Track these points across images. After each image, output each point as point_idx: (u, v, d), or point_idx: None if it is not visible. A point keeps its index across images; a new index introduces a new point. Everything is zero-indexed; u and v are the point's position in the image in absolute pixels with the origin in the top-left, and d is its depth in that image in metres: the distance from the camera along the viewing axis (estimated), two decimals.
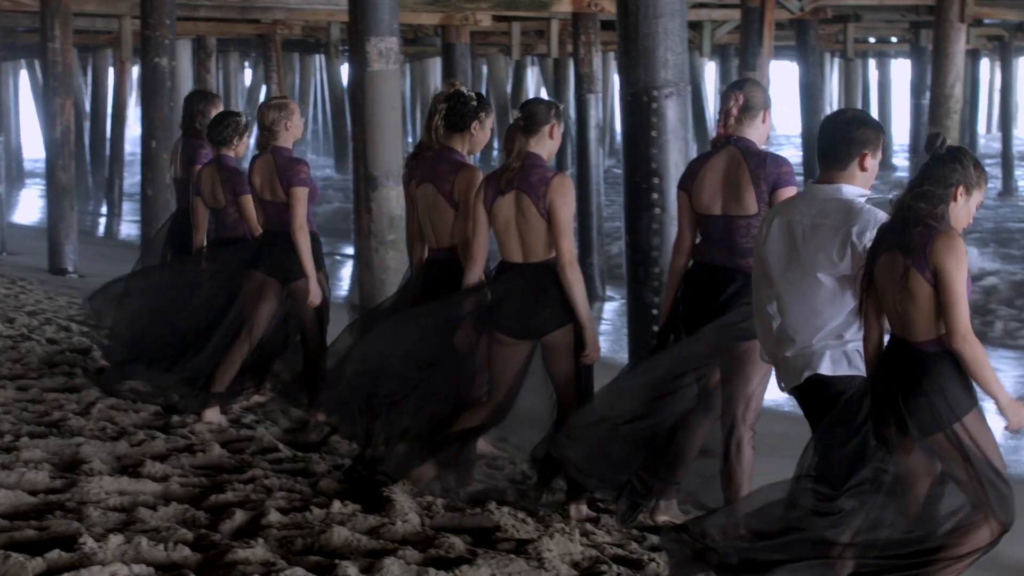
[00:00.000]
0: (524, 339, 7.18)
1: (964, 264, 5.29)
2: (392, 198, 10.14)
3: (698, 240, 6.96)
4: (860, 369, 5.92)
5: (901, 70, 48.33)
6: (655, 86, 8.16)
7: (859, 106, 44.79)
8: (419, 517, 6.76)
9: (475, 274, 7.30)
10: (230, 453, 8.04)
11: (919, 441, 5.39)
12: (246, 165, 9.36)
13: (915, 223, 5.35)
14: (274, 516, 6.56)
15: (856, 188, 5.96)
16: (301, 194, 8.76)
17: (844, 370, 5.97)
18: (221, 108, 10.40)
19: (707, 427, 6.93)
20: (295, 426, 8.96)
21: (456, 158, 7.67)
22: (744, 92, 6.81)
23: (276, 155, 8.88)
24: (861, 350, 5.86)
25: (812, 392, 6.04)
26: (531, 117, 7.10)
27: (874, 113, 46.83)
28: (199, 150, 10.07)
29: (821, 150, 6.04)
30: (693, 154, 7.85)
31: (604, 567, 6.15)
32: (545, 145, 7.13)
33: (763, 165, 6.67)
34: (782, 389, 6.21)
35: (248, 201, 9.21)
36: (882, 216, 5.79)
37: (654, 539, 6.79)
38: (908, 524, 5.45)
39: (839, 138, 5.96)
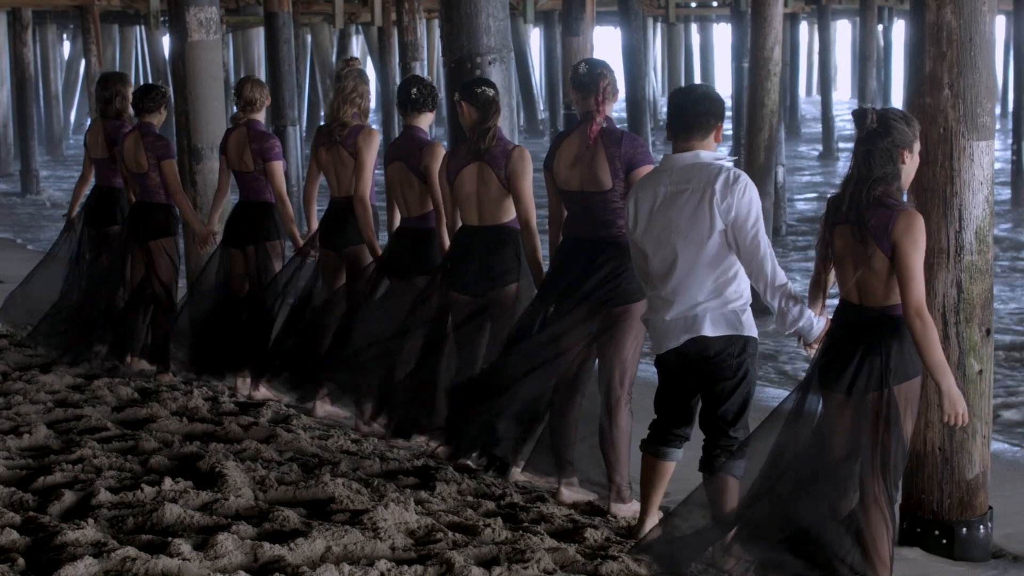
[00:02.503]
0: (475, 296, 7.62)
1: (922, 243, 5.44)
2: (216, 171, 10.05)
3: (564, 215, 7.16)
4: (738, 329, 6.11)
5: (722, 34, 49.08)
6: (478, 53, 8.21)
7: (682, 71, 45.31)
8: (252, 492, 6.73)
9: (443, 233, 7.99)
10: (57, 433, 7.90)
11: (857, 398, 5.48)
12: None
13: (874, 205, 5.47)
14: (104, 496, 6.47)
15: (711, 152, 6.16)
16: (277, 168, 9.43)
17: (723, 331, 6.12)
18: (132, 86, 10.70)
19: (579, 399, 7.05)
20: (123, 404, 8.83)
21: (421, 136, 8.26)
22: (599, 77, 6.90)
23: (250, 128, 9.45)
24: (740, 310, 6.09)
25: (692, 353, 6.16)
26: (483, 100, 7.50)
27: (697, 77, 47.49)
28: (121, 130, 10.34)
29: (678, 123, 6.17)
30: (519, 122, 7.99)
31: (440, 534, 6.18)
32: (503, 118, 7.61)
33: (619, 144, 6.82)
34: (658, 352, 6.31)
35: (171, 166, 9.81)
36: (743, 173, 6.01)
37: (489, 505, 6.84)
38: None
39: (701, 111, 6.12)
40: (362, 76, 8.92)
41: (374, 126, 9.27)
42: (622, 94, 7.04)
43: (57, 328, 10.42)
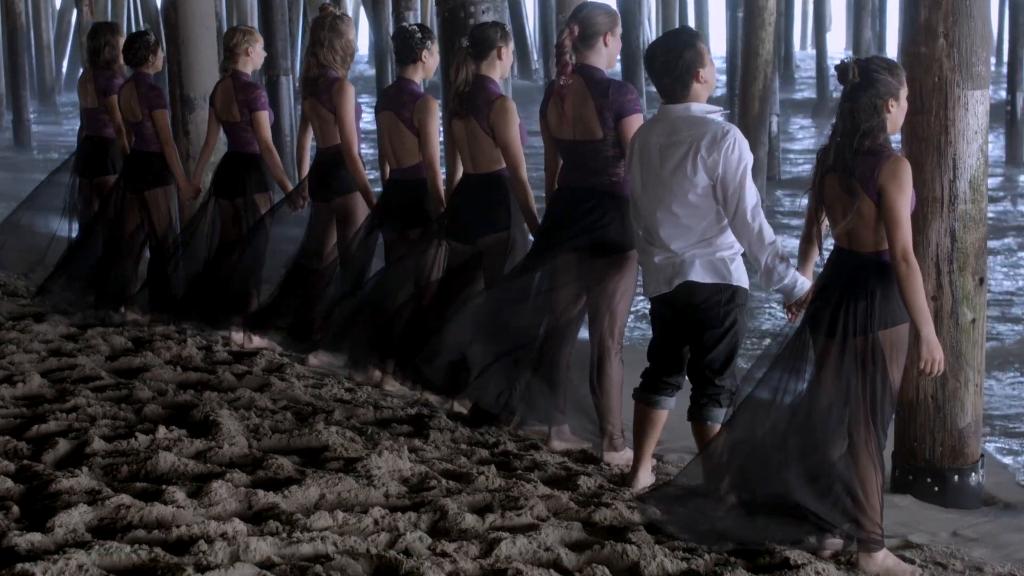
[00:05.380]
0: (467, 243, 7.66)
1: (908, 188, 5.44)
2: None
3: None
4: (726, 278, 6.13)
5: None
6: (472, 2, 8.18)
7: (676, 20, 45.07)
8: (246, 440, 6.75)
9: (437, 185, 8.03)
10: (51, 382, 7.91)
11: (847, 342, 5.49)
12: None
13: (862, 154, 5.47)
14: (98, 444, 6.48)
15: (703, 105, 6.15)
16: (262, 118, 9.38)
17: (712, 278, 6.14)
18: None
19: (569, 347, 7.06)
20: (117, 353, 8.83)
21: (413, 88, 8.18)
22: (580, 22, 6.86)
23: (235, 79, 9.42)
24: (729, 259, 6.12)
25: (680, 299, 6.18)
26: (479, 42, 7.48)
27: (692, 26, 47.09)
28: (112, 80, 10.40)
29: (659, 84, 6.19)
30: (513, 70, 7.97)
31: (433, 482, 6.20)
32: (496, 67, 7.50)
33: (606, 94, 6.76)
34: (647, 295, 6.34)
35: (163, 116, 9.86)
36: (732, 128, 6.00)
37: (482, 453, 6.86)
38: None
39: (672, 65, 6.11)
40: (336, 25, 8.74)
41: (369, 73, 9.20)
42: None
43: (69, 284, 10.41)
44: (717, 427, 6.09)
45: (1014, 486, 7.27)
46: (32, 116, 28.65)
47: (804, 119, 29.74)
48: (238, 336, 9.42)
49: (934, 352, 5.48)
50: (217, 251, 9.70)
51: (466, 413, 7.49)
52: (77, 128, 11.50)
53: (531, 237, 7.42)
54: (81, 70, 11.37)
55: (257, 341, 9.34)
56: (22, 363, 8.35)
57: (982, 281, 6.70)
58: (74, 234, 10.81)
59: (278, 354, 8.99)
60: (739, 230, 5.99)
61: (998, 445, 8.51)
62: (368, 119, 9.16)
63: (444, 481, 6.22)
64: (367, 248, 8.56)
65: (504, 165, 7.46)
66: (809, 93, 34.68)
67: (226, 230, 9.68)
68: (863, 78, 5.52)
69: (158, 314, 9.77)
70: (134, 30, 50.74)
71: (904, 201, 5.40)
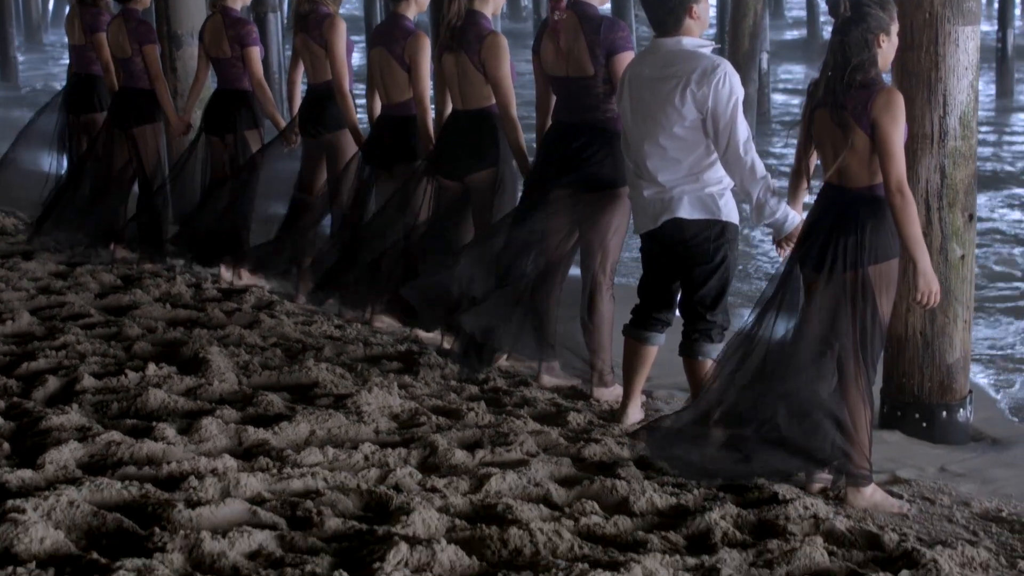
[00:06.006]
0: (456, 179, 7.65)
1: (901, 120, 5.41)
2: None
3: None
4: (715, 214, 6.12)
5: None
6: None
7: None
8: (236, 377, 6.75)
9: (427, 123, 7.97)
10: (40, 320, 7.90)
11: (837, 276, 5.49)
12: None
13: (853, 87, 5.45)
14: (88, 381, 6.49)
15: (695, 39, 6.12)
16: (254, 53, 9.34)
17: (701, 214, 6.13)
18: None
19: (560, 283, 7.07)
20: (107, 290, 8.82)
21: (406, 24, 8.13)
22: None
23: (225, 15, 9.36)
24: (718, 194, 6.10)
25: (669, 236, 6.18)
26: None
27: None
28: (98, 17, 10.31)
29: (652, 10, 6.16)
30: (503, 7, 7.93)
31: (423, 418, 6.21)
32: (488, 2, 7.49)
33: (598, 31, 6.74)
34: (637, 231, 6.35)
35: (153, 51, 9.85)
36: (723, 63, 5.97)
37: (472, 389, 6.88)
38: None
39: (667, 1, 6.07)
40: None
41: (358, 11, 9.15)
42: None
43: (58, 222, 10.37)
44: (708, 363, 6.10)
45: (1002, 422, 7.30)
46: (19, 54, 28.50)
47: (794, 61, 29.63)
48: (227, 274, 9.41)
49: (931, 283, 5.49)
50: (208, 188, 9.67)
51: (455, 351, 7.50)
52: (65, 66, 11.44)
53: (520, 175, 7.41)
54: (68, 7, 11.30)
55: (246, 278, 9.33)
56: (11, 301, 8.34)
57: (971, 217, 6.70)
58: (63, 172, 10.77)
59: (267, 291, 8.99)
60: (730, 164, 5.98)
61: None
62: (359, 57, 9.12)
63: (434, 417, 6.24)
64: (357, 185, 8.53)
65: (493, 102, 7.43)
66: (800, 32, 34.54)
67: (216, 167, 9.65)
68: (854, 12, 5.50)
69: (147, 252, 9.76)
70: None
71: (898, 133, 5.39)
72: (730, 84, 5.97)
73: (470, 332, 7.06)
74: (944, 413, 6.74)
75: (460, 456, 5.70)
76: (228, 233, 9.39)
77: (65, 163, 10.76)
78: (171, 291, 8.74)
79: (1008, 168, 17.16)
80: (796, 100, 23.67)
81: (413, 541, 4.52)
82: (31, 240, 10.34)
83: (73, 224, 10.20)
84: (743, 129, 5.96)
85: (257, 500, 5.01)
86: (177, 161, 10.10)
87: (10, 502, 4.61)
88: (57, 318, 7.98)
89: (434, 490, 5.26)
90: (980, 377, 8.48)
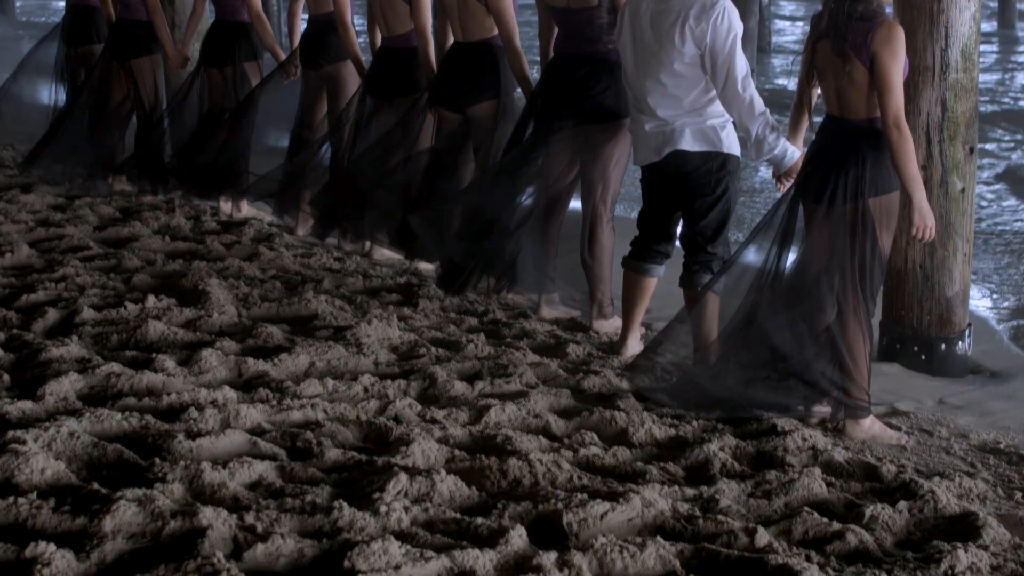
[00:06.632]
0: (456, 111, 7.61)
1: (901, 54, 5.38)
2: None
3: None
4: (716, 146, 6.10)
5: None
6: None
7: None
8: (235, 309, 6.75)
9: (429, 55, 7.96)
10: (39, 252, 7.89)
11: (837, 208, 5.48)
12: None
13: (855, 18, 5.41)
14: (88, 313, 6.48)
15: None
16: None
17: (703, 146, 6.12)
18: None
19: (561, 215, 7.06)
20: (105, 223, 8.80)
21: None
22: None
23: None
24: (719, 126, 6.08)
25: (671, 168, 6.16)
26: None
27: None
28: None
29: None
30: None
31: (423, 350, 6.22)
32: None
33: None
34: (638, 164, 6.34)
35: None
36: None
37: (471, 321, 6.88)
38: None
39: None
40: None
41: None
42: None
43: (57, 154, 10.35)
44: (709, 294, 6.10)
45: (1001, 354, 7.31)
46: None
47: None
48: (226, 206, 9.39)
49: (926, 218, 5.47)
50: (206, 121, 9.63)
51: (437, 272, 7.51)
52: None
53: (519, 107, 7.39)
54: None
55: (245, 210, 9.32)
56: (10, 233, 8.33)
57: (972, 150, 6.67)
58: (61, 103, 10.73)
59: (267, 224, 8.97)
60: (729, 100, 5.95)
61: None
62: None
63: (433, 349, 6.25)
64: (358, 117, 8.50)
65: (494, 33, 7.39)
66: None
67: (215, 99, 9.61)
68: None
69: (146, 184, 9.73)
70: None
71: (897, 67, 5.36)
72: (728, 19, 5.93)
73: (469, 264, 7.06)
74: (943, 346, 6.75)
75: (459, 388, 5.71)
76: (227, 166, 9.37)
77: (64, 95, 10.72)
78: (170, 223, 8.73)
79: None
80: (796, 34, 23.57)
81: (413, 471, 4.53)
82: (23, 168, 10.31)
83: (71, 157, 10.17)
84: (742, 65, 5.93)
85: (257, 431, 5.02)
86: (176, 94, 10.05)
87: (10, 433, 4.62)
88: (56, 250, 7.97)
89: (433, 421, 5.28)
90: (981, 309, 8.48)
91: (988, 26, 21.37)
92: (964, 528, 4.51)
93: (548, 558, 3.88)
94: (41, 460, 4.38)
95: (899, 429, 5.78)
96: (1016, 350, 7.59)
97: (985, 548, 4.32)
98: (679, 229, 6.38)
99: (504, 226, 7.02)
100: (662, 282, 6.56)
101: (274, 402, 5.36)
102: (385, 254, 8.24)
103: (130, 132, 10.24)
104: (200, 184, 9.55)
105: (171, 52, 9.89)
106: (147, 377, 5.52)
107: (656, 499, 4.44)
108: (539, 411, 5.46)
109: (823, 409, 5.72)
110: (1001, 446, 5.65)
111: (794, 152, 5.89)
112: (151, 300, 6.72)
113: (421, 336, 6.48)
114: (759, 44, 18.80)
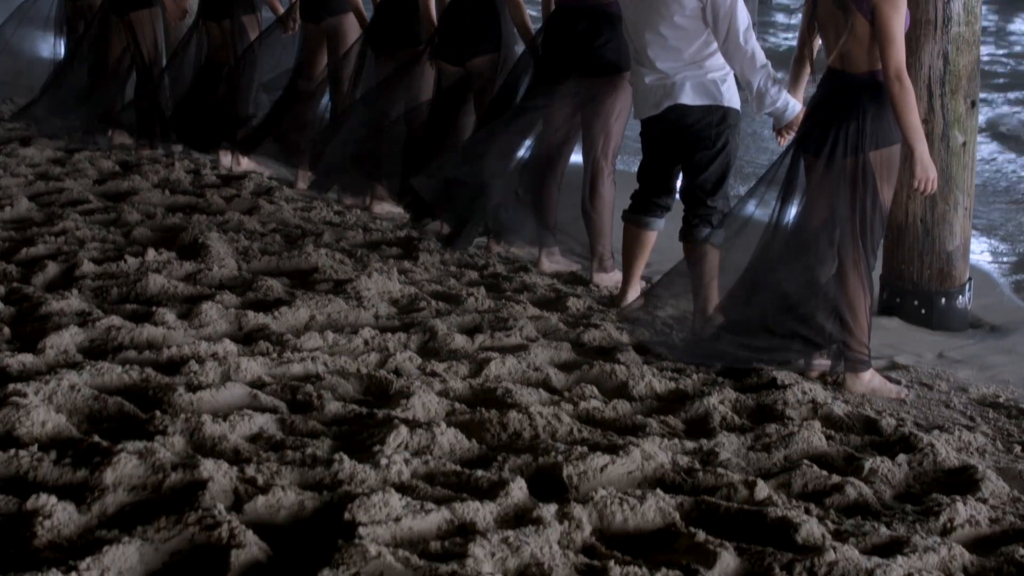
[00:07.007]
0: (457, 65, 7.58)
1: (902, 7, 5.35)
2: None
3: None
4: (717, 99, 6.09)
5: None
6: None
7: None
8: (235, 262, 6.75)
9: (430, 6, 7.90)
10: (39, 206, 7.88)
11: (837, 161, 5.46)
12: None
13: None
14: (88, 267, 6.48)
15: None
16: None
17: (703, 99, 6.10)
18: None
19: (561, 168, 7.05)
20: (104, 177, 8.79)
21: None
22: None
23: None
24: (720, 80, 6.06)
25: (671, 121, 6.15)
26: None
27: None
28: None
29: None
30: None
31: (423, 303, 6.22)
32: None
33: None
34: (638, 117, 6.33)
35: None
36: None
37: (472, 275, 6.88)
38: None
39: None
40: None
41: None
42: None
43: (56, 108, 10.33)
44: (709, 248, 6.09)
45: (1002, 309, 7.30)
46: None
47: None
48: (226, 159, 9.38)
49: (928, 170, 5.45)
50: (204, 73, 9.60)
51: (444, 234, 7.50)
52: None
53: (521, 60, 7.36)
54: None
55: (245, 164, 9.30)
56: (9, 187, 8.31)
57: (974, 104, 6.65)
58: (60, 56, 10.69)
59: (266, 177, 8.96)
60: (730, 53, 5.93)
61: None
62: None
63: (433, 302, 6.25)
64: (358, 70, 8.47)
65: None
66: None
67: (214, 53, 9.57)
68: None
69: (146, 138, 9.71)
70: None
71: (898, 19, 5.33)
72: None
73: (468, 218, 7.06)
74: (943, 300, 6.75)
75: (460, 341, 5.71)
76: (226, 119, 9.34)
77: (63, 49, 10.68)
78: (170, 177, 8.71)
79: None
80: None
81: (413, 424, 4.54)
82: (21, 121, 10.28)
83: (70, 110, 10.14)
84: (743, 17, 5.90)
85: (257, 384, 5.03)
86: (175, 47, 10.01)
87: (11, 386, 4.62)
88: (56, 204, 7.96)
89: (434, 374, 5.28)
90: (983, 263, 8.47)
91: None
92: (963, 481, 4.52)
93: (548, 510, 3.89)
94: (42, 413, 4.38)
95: (899, 383, 5.78)
96: (1018, 302, 7.58)
97: (984, 501, 4.33)
98: (679, 183, 6.37)
99: (504, 179, 7.00)
100: (662, 236, 6.55)
101: (274, 355, 5.36)
102: (385, 208, 8.23)
103: (129, 86, 10.20)
104: (199, 137, 9.52)
105: (169, 5, 9.84)
106: (147, 330, 5.51)
107: (656, 452, 4.45)
108: (539, 364, 5.46)
109: (823, 362, 5.73)
110: (1001, 400, 5.66)
111: (796, 105, 5.87)
112: (151, 254, 6.71)
113: (421, 289, 6.48)
114: None
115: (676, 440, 4.69)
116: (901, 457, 4.65)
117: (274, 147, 8.97)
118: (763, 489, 4.24)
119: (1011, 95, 14.36)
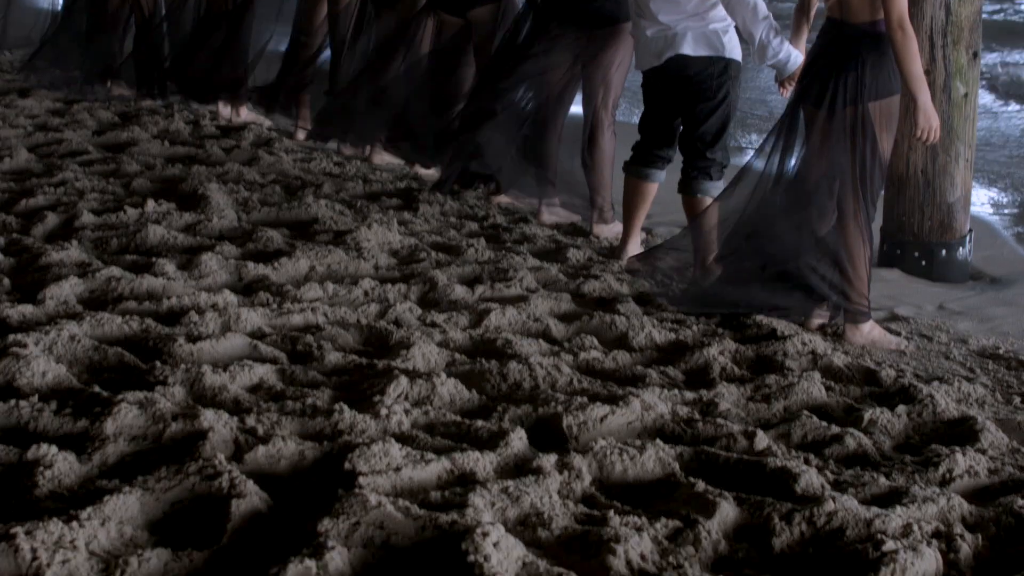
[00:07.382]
0: (457, 15, 7.59)
1: None
2: None
3: None
4: (719, 51, 6.08)
5: None
6: None
7: None
8: (235, 213, 6.74)
9: None
10: (38, 157, 7.87)
11: (837, 112, 5.44)
12: None
13: None
14: (87, 218, 6.47)
15: None
16: None
17: (705, 51, 6.09)
18: None
19: (561, 119, 7.02)
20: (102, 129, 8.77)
21: None
22: None
23: None
24: (722, 31, 6.05)
25: (672, 73, 6.14)
26: None
27: None
28: None
29: None
30: None
31: (423, 254, 6.22)
32: None
33: None
34: (640, 68, 6.31)
35: None
36: None
37: (472, 226, 6.87)
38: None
39: None
40: None
41: None
42: None
43: (55, 59, 10.29)
44: (707, 200, 6.08)
45: (1002, 260, 7.30)
46: None
47: None
48: (225, 110, 9.35)
49: (931, 119, 5.43)
50: (204, 24, 9.55)
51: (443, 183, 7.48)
52: None
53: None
54: None
55: (245, 115, 9.27)
56: (8, 138, 8.30)
57: (976, 55, 6.63)
58: (59, 8, 10.66)
59: (266, 128, 8.94)
60: (732, 6, 5.90)
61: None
62: None
63: (433, 253, 6.24)
64: (359, 23, 8.43)
65: None
66: None
67: (213, 3, 9.52)
68: None
69: (145, 89, 9.68)
70: None
71: None
72: None
73: (471, 169, 7.04)
74: (943, 251, 6.74)
75: (460, 292, 5.71)
76: (226, 70, 9.31)
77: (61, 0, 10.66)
78: (169, 128, 8.70)
79: None
80: None
81: (413, 375, 4.54)
82: (21, 73, 10.26)
83: (69, 61, 10.11)
84: None
85: (257, 335, 5.02)
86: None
87: (11, 336, 4.62)
88: (55, 155, 7.94)
89: (434, 325, 5.28)
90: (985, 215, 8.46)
91: None
92: (962, 432, 4.52)
93: (548, 460, 3.89)
94: (42, 363, 4.38)
95: (898, 334, 5.78)
96: (1020, 253, 7.58)
97: (983, 452, 4.34)
98: (679, 133, 6.36)
99: (505, 130, 6.98)
100: (663, 188, 6.54)
101: (274, 306, 5.36)
102: (385, 159, 8.21)
103: (128, 36, 10.16)
104: (199, 88, 9.49)
105: None
106: (147, 281, 5.51)
107: (656, 402, 4.45)
108: (539, 315, 5.46)
109: (823, 313, 5.72)
110: (1000, 351, 5.66)
111: (798, 56, 5.85)
112: (151, 204, 6.70)
113: (421, 240, 6.47)
114: None
115: (676, 391, 4.69)
116: (900, 408, 4.65)
117: (273, 99, 8.94)
118: (763, 439, 4.24)
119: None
